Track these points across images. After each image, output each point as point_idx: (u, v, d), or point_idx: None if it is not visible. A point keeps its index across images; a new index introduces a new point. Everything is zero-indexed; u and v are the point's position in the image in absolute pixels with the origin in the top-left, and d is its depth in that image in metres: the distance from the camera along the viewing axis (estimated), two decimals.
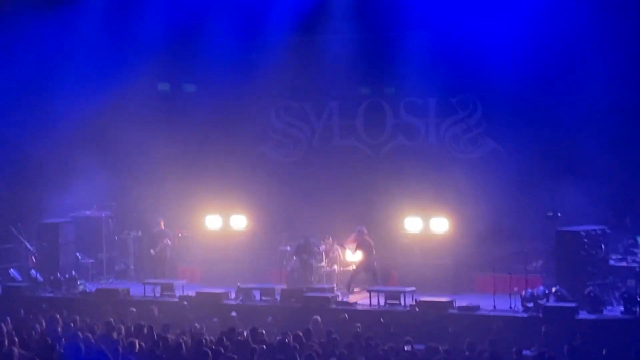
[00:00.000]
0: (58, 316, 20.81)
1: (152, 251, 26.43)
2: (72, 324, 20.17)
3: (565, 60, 24.70)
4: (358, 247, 24.75)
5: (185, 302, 23.50)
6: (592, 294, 21.51)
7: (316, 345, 17.97)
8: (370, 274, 24.64)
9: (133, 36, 27.44)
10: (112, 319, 20.20)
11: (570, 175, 24.27)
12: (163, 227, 26.57)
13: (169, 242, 26.52)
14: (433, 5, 25.71)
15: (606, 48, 24.11)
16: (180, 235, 27.28)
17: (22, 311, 22.58)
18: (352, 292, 24.56)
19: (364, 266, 24.69)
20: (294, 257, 25.57)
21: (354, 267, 24.99)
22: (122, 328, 19.56)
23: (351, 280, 24.74)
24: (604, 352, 17.26)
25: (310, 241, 25.28)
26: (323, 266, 25.32)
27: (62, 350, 17.26)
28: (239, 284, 24.27)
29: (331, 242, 25.46)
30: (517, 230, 24.13)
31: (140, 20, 27.41)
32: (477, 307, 22.20)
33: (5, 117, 27.27)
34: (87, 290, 25.27)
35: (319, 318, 20.68)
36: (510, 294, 22.20)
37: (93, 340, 18.08)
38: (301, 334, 18.40)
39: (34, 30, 27.09)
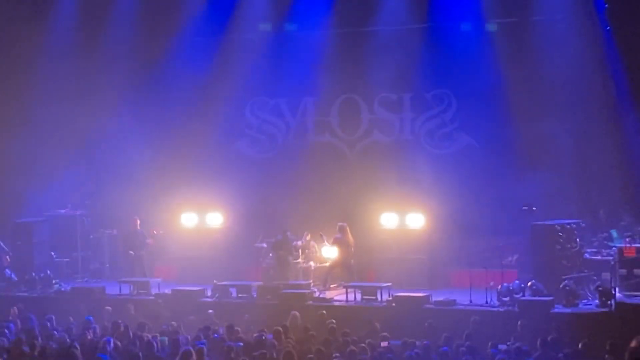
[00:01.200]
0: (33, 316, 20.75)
1: (131, 252, 26.26)
2: (48, 324, 20.07)
3: (538, 54, 24.79)
4: (335, 242, 24.73)
5: (160, 300, 23.41)
6: (567, 288, 21.59)
7: (293, 341, 17.97)
8: (346, 271, 24.62)
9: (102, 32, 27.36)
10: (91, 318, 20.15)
11: (544, 169, 24.35)
12: (139, 227, 26.43)
13: (151, 242, 26.34)
14: (407, 1, 25.80)
15: (577, 39, 24.28)
16: (155, 233, 27.17)
17: None
18: (328, 288, 24.55)
19: (340, 262, 24.67)
20: (270, 254, 25.55)
21: (330, 263, 24.96)
22: (97, 327, 19.49)
23: (327, 276, 24.72)
24: (580, 345, 17.31)
25: (287, 237, 25.25)
26: (299, 262, 25.30)
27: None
28: (215, 281, 24.21)
29: (308, 239, 25.43)
30: (492, 224, 24.18)
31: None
32: (454, 302, 22.24)
33: None
34: (62, 289, 25.14)
35: (297, 313, 20.67)
36: (486, 289, 22.24)
37: (68, 340, 18.00)
38: (280, 330, 18.39)
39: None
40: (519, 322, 19.83)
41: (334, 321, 20.21)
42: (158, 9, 27.33)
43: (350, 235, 24.61)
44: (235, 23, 27.16)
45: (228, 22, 27.17)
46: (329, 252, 25.20)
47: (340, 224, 24.71)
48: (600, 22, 24.44)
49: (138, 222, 26.39)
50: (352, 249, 24.62)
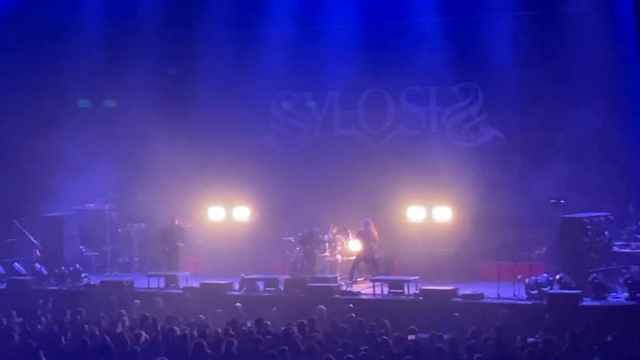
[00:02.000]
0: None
1: (165, 247, 26.33)
2: (77, 317, 20.21)
3: (565, 46, 24.71)
4: (358, 236, 24.75)
5: (188, 294, 23.51)
6: (596, 281, 21.51)
7: (320, 335, 18.02)
8: (371, 264, 24.64)
9: (129, 29, 27.42)
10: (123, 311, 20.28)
11: (573, 161, 24.28)
12: (177, 222, 26.46)
13: (181, 244, 26.34)
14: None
15: (604, 31, 24.19)
16: (180, 244, 27.12)
17: (27, 304, 22.65)
18: (355, 282, 24.57)
19: (363, 256, 24.69)
20: (297, 248, 25.60)
21: (355, 257, 24.99)
22: (127, 320, 19.61)
23: (354, 270, 24.75)
24: (608, 338, 17.28)
25: (314, 231, 25.29)
26: (326, 256, 25.33)
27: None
28: (242, 275, 24.28)
29: (335, 232, 25.46)
30: (520, 217, 24.13)
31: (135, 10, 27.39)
32: (481, 295, 22.21)
33: (8, 110, 27.28)
34: (92, 283, 25.29)
35: (324, 307, 20.71)
36: (514, 282, 22.20)
37: (98, 333, 18.13)
38: (306, 323, 18.45)
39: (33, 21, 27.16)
40: (546, 316, 19.80)
41: (353, 315, 20.26)
42: (184, 4, 27.39)
43: (374, 230, 24.62)
44: (261, 17, 27.18)
45: (254, 16, 27.18)
46: (356, 246, 25.24)
47: (365, 219, 24.73)
48: (627, 12, 24.30)
49: (176, 220, 26.38)
50: (376, 244, 24.63)
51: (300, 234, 25.51)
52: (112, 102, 28.49)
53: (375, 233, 24.63)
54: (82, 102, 28.99)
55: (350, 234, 25.18)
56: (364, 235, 24.65)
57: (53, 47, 27.31)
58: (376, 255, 24.69)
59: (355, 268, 24.78)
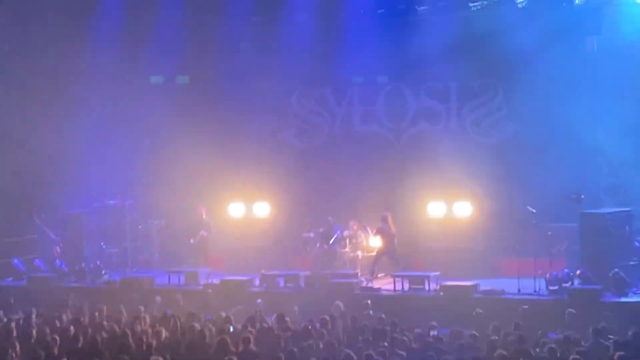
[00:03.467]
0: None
1: (192, 240, 26.40)
2: (97, 314, 20.26)
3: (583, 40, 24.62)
4: (377, 232, 24.73)
5: (209, 290, 23.54)
6: (617, 276, 21.42)
7: (340, 331, 18.00)
8: (392, 260, 24.62)
9: (148, 28, 27.40)
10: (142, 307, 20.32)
11: (593, 157, 24.16)
12: (204, 216, 26.52)
13: (204, 233, 26.44)
14: None
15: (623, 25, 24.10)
16: (192, 242, 27.18)
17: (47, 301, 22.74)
18: (376, 277, 24.55)
19: (384, 252, 24.67)
20: (318, 244, 25.58)
21: (375, 253, 24.96)
22: (147, 317, 19.64)
23: (374, 266, 24.73)
24: (629, 333, 17.19)
25: (332, 227, 25.27)
26: (347, 252, 25.31)
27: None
28: (263, 271, 24.30)
29: (355, 228, 25.42)
30: (540, 213, 24.02)
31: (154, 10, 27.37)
32: (502, 291, 22.15)
33: (28, 107, 27.38)
34: (112, 280, 25.35)
35: (340, 304, 20.68)
36: (534, 277, 22.13)
37: (118, 330, 18.16)
38: (328, 320, 18.43)
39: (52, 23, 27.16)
40: (566, 311, 19.72)
41: (371, 312, 20.24)
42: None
43: (392, 225, 24.59)
44: (281, 12, 27.14)
45: (274, 11, 27.14)
46: (376, 242, 25.22)
47: (383, 213, 24.72)
48: None
49: (204, 211, 26.47)
50: (395, 239, 24.60)
51: (321, 229, 25.50)
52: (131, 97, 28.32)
53: (394, 227, 24.59)
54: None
55: (369, 231, 25.14)
56: (383, 231, 24.62)
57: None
58: (396, 250, 24.65)
59: (377, 264, 24.75)
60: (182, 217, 27.10)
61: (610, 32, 24.34)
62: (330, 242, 25.18)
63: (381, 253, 24.75)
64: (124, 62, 27.32)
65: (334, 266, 24.89)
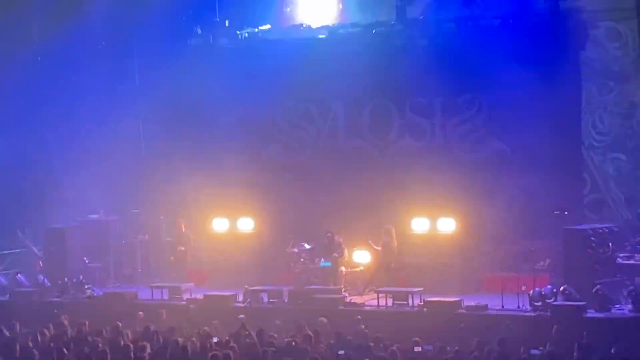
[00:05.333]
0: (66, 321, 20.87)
1: (172, 258, 26.36)
2: (80, 329, 20.16)
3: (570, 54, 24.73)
4: (383, 246, 24.66)
5: (192, 305, 23.47)
6: (600, 293, 21.46)
7: (324, 347, 17.97)
8: (386, 274, 24.53)
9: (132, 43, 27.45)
10: (119, 323, 20.21)
11: (577, 174, 24.22)
12: (183, 230, 26.49)
13: (182, 248, 26.40)
14: (437, 3, 25.73)
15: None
16: (182, 249, 27.18)
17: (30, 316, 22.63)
18: (362, 293, 24.50)
19: (385, 266, 24.58)
20: (302, 259, 25.46)
21: (375, 267, 24.79)
22: (129, 332, 19.56)
23: (370, 281, 24.59)
24: (612, 350, 17.22)
25: (335, 239, 25.09)
26: (342, 270, 25.18)
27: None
28: (246, 286, 24.25)
29: (340, 242, 25.27)
30: (524, 229, 24.09)
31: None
32: (485, 307, 22.17)
33: (10, 122, 27.34)
34: (95, 295, 25.27)
35: (324, 319, 20.64)
36: (518, 294, 22.15)
37: (100, 345, 18.09)
38: (311, 335, 18.40)
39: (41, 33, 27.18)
40: (553, 327, 19.73)
41: (363, 326, 20.22)
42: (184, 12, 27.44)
43: (395, 239, 24.60)
44: (264, 27, 27.20)
45: (257, 26, 27.20)
46: (360, 257, 25.19)
47: (387, 226, 24.68)
48: None
49: (183, 225, 26.44)
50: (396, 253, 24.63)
51: (310, 245, 25.38)
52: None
53: (396, 241, 24.58)
54: None
55: (374, 245, 25.00)
56: (387, 245, 24.62)
57: None
58: (392, 265, 24.62)
59: (374, 279, 24.59)
60: (166, 232, 26.99)
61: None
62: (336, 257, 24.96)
63: (382, 267, 24.62)
64: (110, 74, 27.33)
65: (338, 280, 24.72)
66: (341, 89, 27.00)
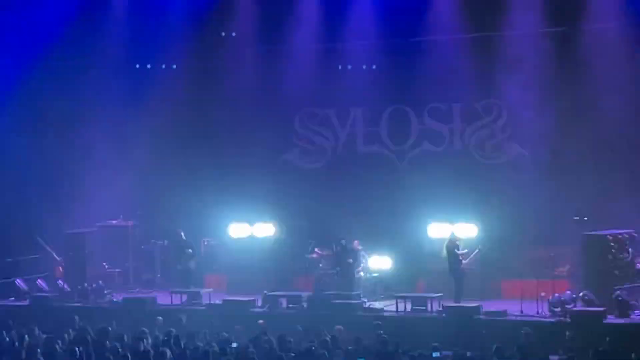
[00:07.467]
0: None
1: (178, 266, 26.42)
2: (100, 334, 20.19)
3: (588, 62, 24.66)
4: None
5: (211, 311, 23.48)
6: (619, 298, 21.41)
7: (342, 353, 17.97)
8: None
9: (145, 43, 27.56)
10: (146, 329, 20.26)
11: (596, 179, 24.17)
12: (183, 237, 26.56)
13: (190, 251, 26.45)
14: (456, 11, 25.73)
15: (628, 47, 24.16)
16: (205, 243, 27.33)
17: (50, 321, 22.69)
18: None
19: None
20: (321, 265, 25.45)
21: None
22: (149, 337, 19.59)
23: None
24: (633, 356, 17.16)
25: (349, 245, 25.04)
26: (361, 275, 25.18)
27: None
28: (265, 291, 24.28)
29: (359, 248, 25.25)
30: (543, 235, 24.04)
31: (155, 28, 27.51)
32: (505, 313, 22.13)
33: (30, 127, 27.50)
34: (114, 300, 25.34)
35: (341, 327, 20.62)
36: (537, 299, 22.11)
37: (121, 350, 18.13)
38: (328, 340, 18.40)
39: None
40: (570, 333, 19.68)
41: (381, 332, 20.18)
42: (210, 21, 27.54)
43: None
44: (284, 34, 27.24)
45: (278, 32, 27.25)
46: (377, 263, 25.20)
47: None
48: None
49: (182, 233, 26.48)
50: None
51: (327, 252, 25.37)
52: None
53: None
54: None
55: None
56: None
57: None
58: None
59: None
60: (185, 237, 27.03)
61: None
62: (357, 266, 24.90)
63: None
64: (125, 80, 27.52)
65: (353, 286, 24.67)
66: (360, 95, 27.02)
